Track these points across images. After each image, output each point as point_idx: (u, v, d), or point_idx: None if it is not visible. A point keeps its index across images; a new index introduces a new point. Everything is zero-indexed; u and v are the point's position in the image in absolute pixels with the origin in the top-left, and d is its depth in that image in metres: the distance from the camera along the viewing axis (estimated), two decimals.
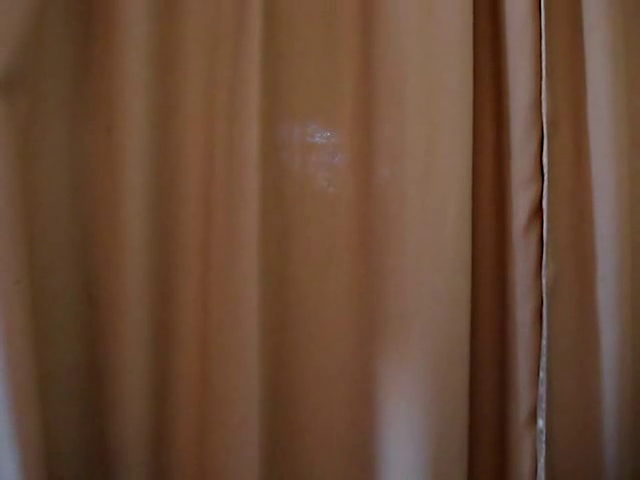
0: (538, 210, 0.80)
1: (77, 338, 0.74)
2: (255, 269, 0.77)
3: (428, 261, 0.78)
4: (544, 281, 0.80)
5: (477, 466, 0.85)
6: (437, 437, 0.77)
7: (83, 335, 0.75)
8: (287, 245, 0.82)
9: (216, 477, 0.79)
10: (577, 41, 0.82)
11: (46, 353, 0.70)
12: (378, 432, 0.81)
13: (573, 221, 0.83)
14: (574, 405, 0.83)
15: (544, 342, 0.80)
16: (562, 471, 0.82)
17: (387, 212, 0.80)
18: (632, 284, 0.81)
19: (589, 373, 0.83)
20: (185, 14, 0.78)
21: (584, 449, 0.83)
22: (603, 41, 0.79)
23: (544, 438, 0.80)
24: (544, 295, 0.80)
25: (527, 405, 0.81)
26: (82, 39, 0.74)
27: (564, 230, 0.83)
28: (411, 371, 0.78)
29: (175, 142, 0.78)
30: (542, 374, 0.80)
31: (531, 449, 0.81)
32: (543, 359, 0.80)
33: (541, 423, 0.80)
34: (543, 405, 0.80)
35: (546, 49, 0.78)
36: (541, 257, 0.80)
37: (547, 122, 0.79)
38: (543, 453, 0.80)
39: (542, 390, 0.80)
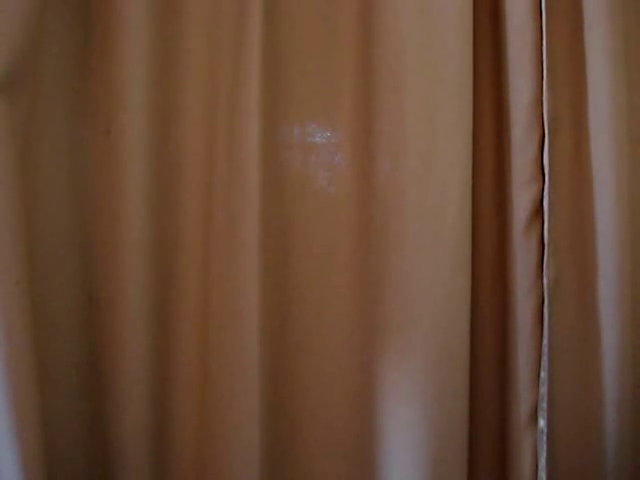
0: (539, 210, 0.80)
1: (77, 338, 0.74)
2: (256, 268, 0.77)
3: (428, 260, 0.78)
4: (545, 281, 0.79)
5: (477, 466, 0.85)
6: (437, 437, 0.77)
7: (83, 335, 0.75)
8: (287, 243, 0.82)
9: (216, 477, 0.78)
10: (577, 41, 0.82)
11: (46, 353, 0.70)
12: (378, 431, 0.81)
13: (574, 221, 0.83)
14: (575, 405, 0.83)
15: (545, 342, 0.80)
16: (563, 471, 0.82)
17: (387, 210, 0.80)
18: (633, 283, 0.81)
19: (590, 373, 0.83)
20: (184, 13, 0.78)
21: (585, 449, 0.83)
22: (603, 41, 0.79)
23: (545, 438, 0.80)
24: (545, 295, 0.80)
25: (528, 405, 0.81)
26: (82, 39, 0.74)
27: (565, 230, 0.83)
28: (411, 371, 0.78)
29: (175, 142, 0.78)
30: (543, 374, 0.80)
31: (532, 449, 0.81)
32: (544, 359, 0.80)
33: (542, 423, 0.80)
34: (544, 405, 0.80)
35: (546, 49, 0.78)
36: (541, 257, 0.80)
37: (548, 122, 0.79)
38: (544, 453, 0.80)
39: (543, 390, 0.80)
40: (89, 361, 0.75)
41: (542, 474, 0.80)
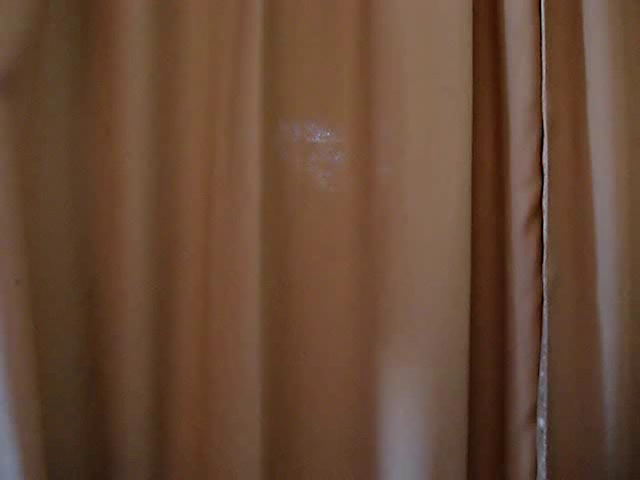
0: (538, 210, 0.81)
1: (77, 338, 0.74)
2: (256, 267, 0.77)
3: (428, 260, 0.78)
4: (544, 280, 0.80)
5: (477, 465, 0.85)
6: (437, 434, 0.78)
7: (83, 335, 0.75)
8: (288, 243, 0.82)
9: (217, 476, 0.78)
10: (576, 42, 0.82)
11: (46, 353, 0.70)
12: (378, 430, 0.81)
13: (573, 221, 0.83)
14: (574, 404, 0.83)
15: (544, 341, 0.80)
16: (562, 470, 0.82)
17: (387, 210, 0.80)
18: (632, 283, 0.82)
19: (589, 372, 0.83)
20: (185, 14, 0.78)
21: (584, 448, 0.83)
22: (603, 41, 0.79)
23: (544, 437, 0.80)
24: (544, 294, 0.80)
25: (527, 404, 0.81)
26: (82, 39, 0.74)
27: (564, 229, 0.83)
28: (411, 370, 0.78)
29: (175, 141, 0.78)
30: (542, 373, 0.80)
31: (531, 448, 0.81)
32: (543, 358, 0.80)
33: (541, 422, 0.80)
34: (544, 404, 0.80)
35: (546, 49, 0.78)
36: (541, 257, 0.80)
37: (547, 122, 0.79)
38: (544, 452, 0.80)
39: (542, 389, 0.80)
40: (89, 359, 0.75)
41: (542, 472, 0.80)
